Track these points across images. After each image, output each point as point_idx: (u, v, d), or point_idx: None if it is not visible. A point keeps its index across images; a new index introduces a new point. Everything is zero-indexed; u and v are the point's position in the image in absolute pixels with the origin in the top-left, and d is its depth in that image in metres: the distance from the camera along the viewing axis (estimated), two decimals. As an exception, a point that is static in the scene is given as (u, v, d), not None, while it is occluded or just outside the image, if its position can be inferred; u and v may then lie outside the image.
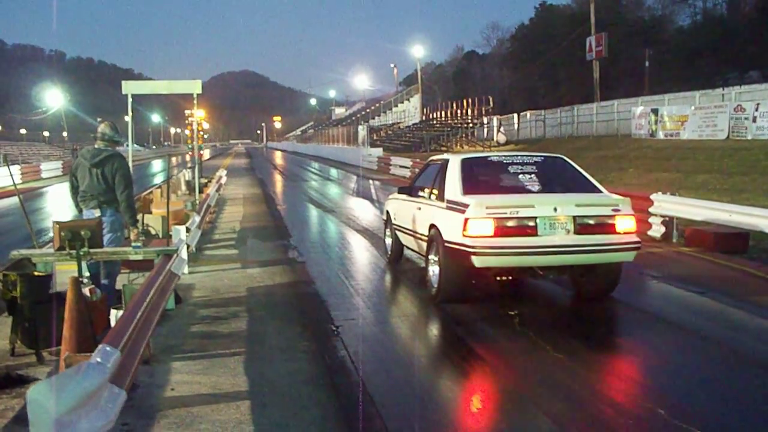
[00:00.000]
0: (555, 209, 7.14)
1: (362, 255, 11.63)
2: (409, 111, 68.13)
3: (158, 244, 8.99)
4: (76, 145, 71.13)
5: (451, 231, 7.36)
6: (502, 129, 46.61)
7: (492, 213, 7.05)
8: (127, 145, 13.65)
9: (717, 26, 55.00)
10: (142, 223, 11.10)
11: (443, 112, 57.22)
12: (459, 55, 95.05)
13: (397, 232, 9.92)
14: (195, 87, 13.28)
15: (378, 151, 42.32)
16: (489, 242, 7.01)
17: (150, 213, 12.16)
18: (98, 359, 3.57)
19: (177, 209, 12.41)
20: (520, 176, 7.86)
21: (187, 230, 9.68)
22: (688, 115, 28.19)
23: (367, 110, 76.42)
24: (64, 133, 79.60)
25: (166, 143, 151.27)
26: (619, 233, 7.29)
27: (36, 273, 6.46)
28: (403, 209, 9.60)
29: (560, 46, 56.62)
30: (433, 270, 7.90)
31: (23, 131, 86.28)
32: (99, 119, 7.75)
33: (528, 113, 48.16)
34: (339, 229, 14.89)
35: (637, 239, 7.38)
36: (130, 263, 7.86)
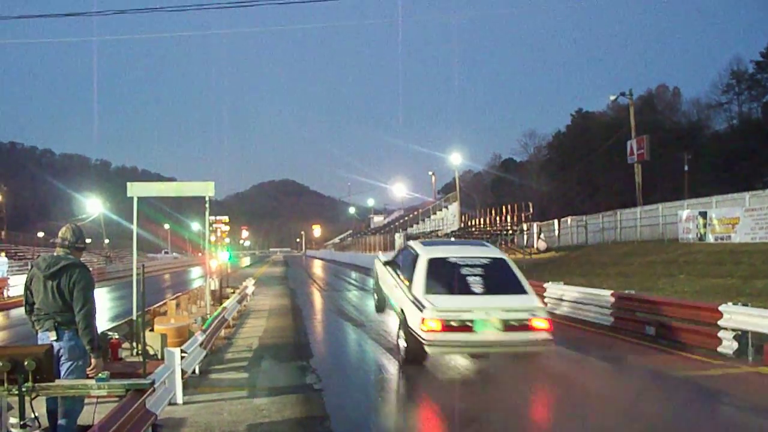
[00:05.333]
0: (487, 314, 9.21)
1: (389, 380, 10.04)
2: (448, 218, 67.09)
3: (155, 367, 7.65)
4: (111, 253, 71.19)
5: (413, 321, 9.70)
6: (542, 235, 45.09)
7: (440, 315, 9.27)
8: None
9: (754, 130, 54.16)
10: (142, 342, 9.78)
11: (482, 219, 56.07)
12: (497, 162, 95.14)
13: (383, 289, 13.16)
14: (207, 189, 12.12)
15: (414, 259, 40.78)
16: (437, 336, 9.24)
17: (152, 330, 10.84)
18: None
19: (181, 325, 11.08)
20: (468, 278, 9.97)
21: (184, 353, 8.28)
22: (739, 217, 26.79)
23: (406, 218, 75.57)
24: (106, 240, 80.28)
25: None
26: (536, 329, 9.31)
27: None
28: (388, 278, 12.39)
29: (598, 152, 55.86)
30: (401, 342, 10.47)
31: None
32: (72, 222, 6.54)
33: (569, 219, 46.65)
34: (367, 346, 13.37)
35: (550, 337, 9.33)
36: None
